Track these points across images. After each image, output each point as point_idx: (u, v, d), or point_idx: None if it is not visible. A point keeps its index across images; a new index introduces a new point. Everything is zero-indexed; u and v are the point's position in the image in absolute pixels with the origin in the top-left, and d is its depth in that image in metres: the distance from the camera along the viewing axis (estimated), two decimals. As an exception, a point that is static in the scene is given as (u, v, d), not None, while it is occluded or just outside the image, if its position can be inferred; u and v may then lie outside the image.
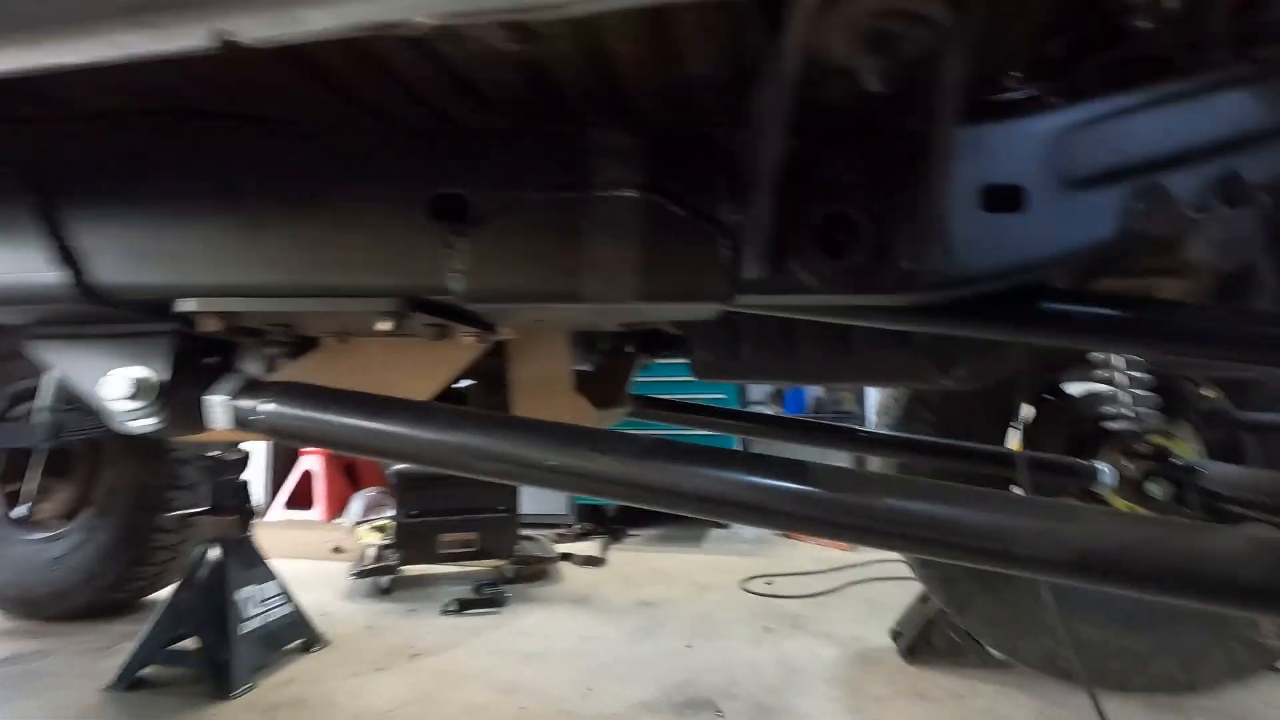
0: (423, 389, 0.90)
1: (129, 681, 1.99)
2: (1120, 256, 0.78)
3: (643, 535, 4.06)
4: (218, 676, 1.96)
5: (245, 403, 0.72)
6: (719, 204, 0.63)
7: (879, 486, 0.59)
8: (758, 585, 2.99)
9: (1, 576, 2.55)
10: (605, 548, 3.73)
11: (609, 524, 4.08)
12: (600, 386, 1.24)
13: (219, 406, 0.72)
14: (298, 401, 0.70)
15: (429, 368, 0.88)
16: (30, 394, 2.54)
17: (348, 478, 4.71)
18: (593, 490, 0.64)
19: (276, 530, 3.79)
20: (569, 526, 4.05)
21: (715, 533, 4.08)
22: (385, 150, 0.64)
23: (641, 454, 0.60)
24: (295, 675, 2.08)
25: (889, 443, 1.76)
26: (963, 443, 1.68)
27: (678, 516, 4.17)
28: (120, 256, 0.63)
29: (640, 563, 3.48)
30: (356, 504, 4.28)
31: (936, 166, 0.60)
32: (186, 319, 0.73)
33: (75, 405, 2.36)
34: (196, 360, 0.76)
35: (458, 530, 3.03)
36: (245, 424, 0.72)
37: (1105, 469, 1.59)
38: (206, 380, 0.73)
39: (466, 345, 0.83)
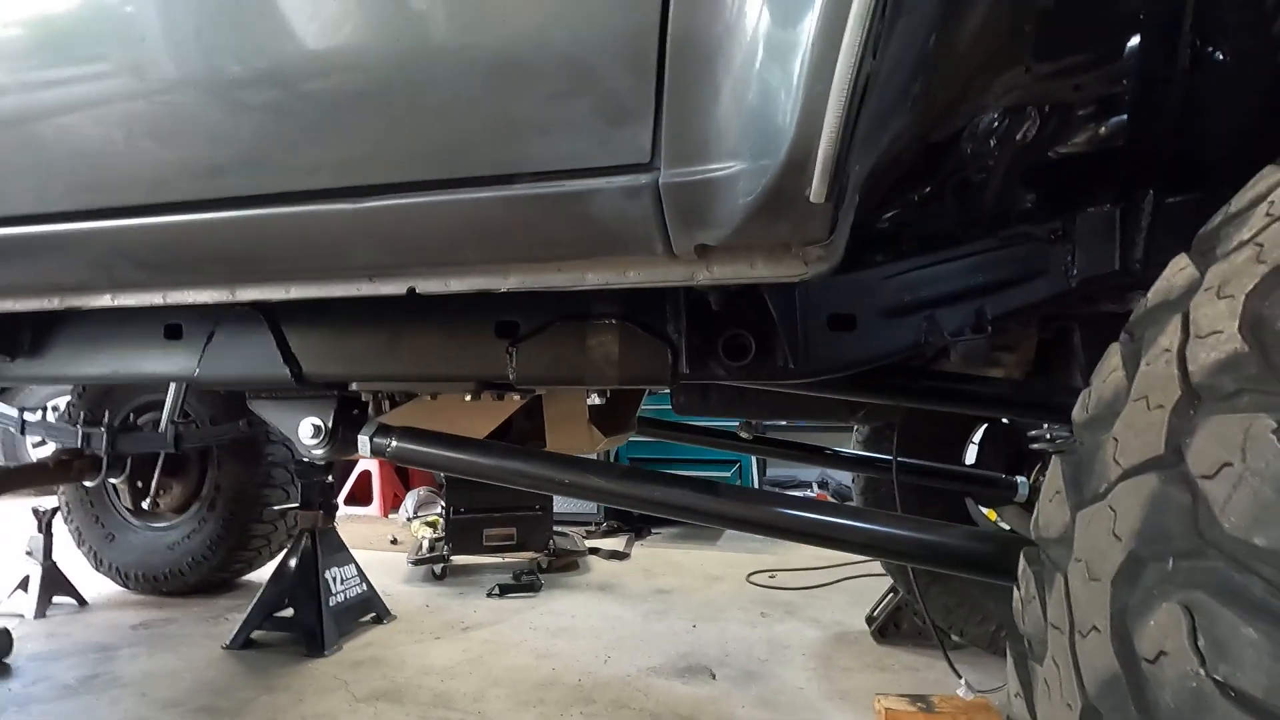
0: (484, 427, 1.35)
1: (242, 642, 2.49)
2: (919, 355, 1.18)
3: (664, 533, 4.49)
4: (311, 640, 2.45)
5: (380, 440, 1.17)
6: (666, 327, 1.06)
7: (734, 494, 1.02)
8: (761, 578, 3.39)
9: (130, 559, 3.10)
10: (629, 543, 4.16)
11: (634, 522, 4.51)
12: (610, 417, 1.68)
13: (364, 441, 1.18)
14: (413, 439, 1.15)
15: (489, 413, 1.33)
16: (146, 408, 3.09)
17: (399, 478, 5.24)
18: (591, 497, 1.07)
19: (339, 524, 4.32)
20: (598, 525, 4.50)
21: (730, 532, 4.48)
22: (473, 296, 1.08)
23: (618, 476, 1.04)
24: (371, 641, 2.56)
25: (851, 460, 2.16)
26: (910, 460, 2.06)
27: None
28: (317, 358, 1.09)
29: (659, 557, 3.91)
30: (409, 501, 4.80)
31: (798, 306, 1.02)
32: (345, 385, 1.18)
33: (191, 419, 2.89)
34: (349, 411, 1.22)
35: (500, 525, 3.50)
36: (379, 453, 1.17)
37: (1022, 482, 1.96)
38: (356, 424, 1.19)
39: (514, 401, 1.27)
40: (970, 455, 2.37)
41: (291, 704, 2.05)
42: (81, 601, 2.97)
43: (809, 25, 0.54)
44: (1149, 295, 0.59)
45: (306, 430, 1.15)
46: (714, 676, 2.25)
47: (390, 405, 1.35)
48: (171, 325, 1.09)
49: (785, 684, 2.19)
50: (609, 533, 4.42)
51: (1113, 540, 0.50)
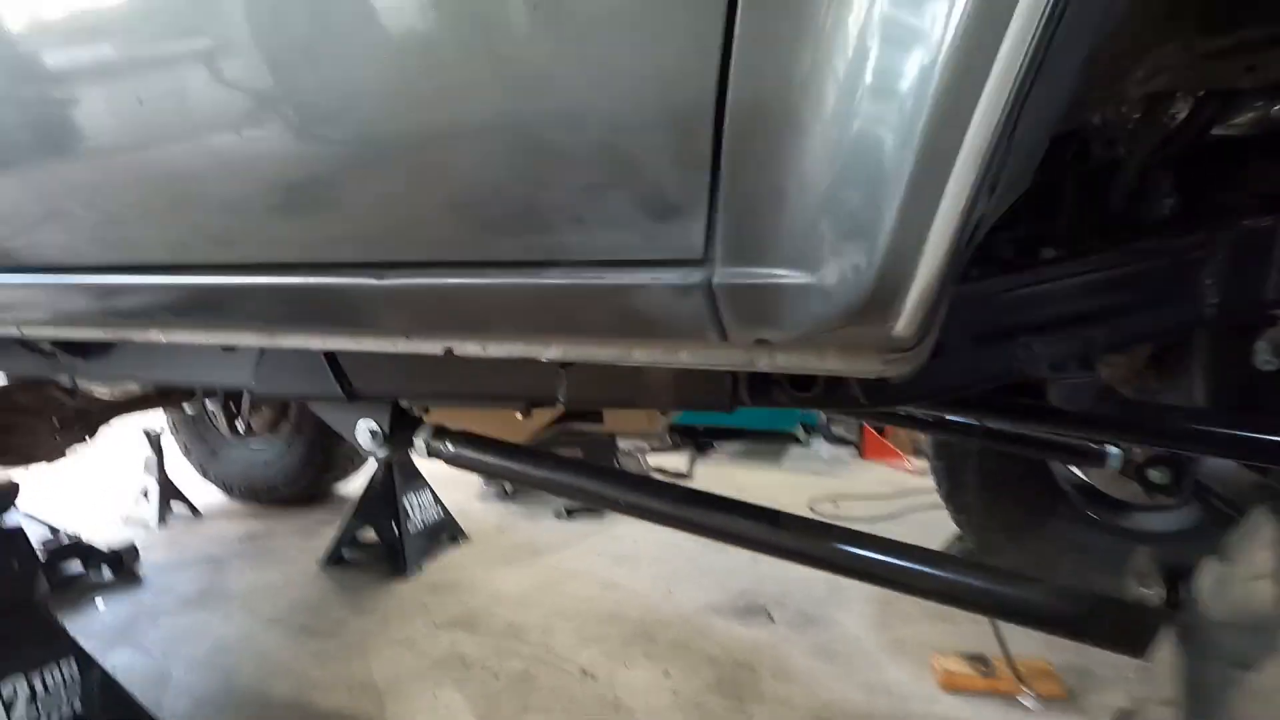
0: (531, 427, 1.33)
1: (333, 559, 2.72)
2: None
3: (728, 450, 4.52)
4: (394, 561, 2.64)
5: (434, 442, 1.16)
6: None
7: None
8: (825, 507, 3.40)
9: (232, 472, 3.38)
10: (692, 462, 4.22)
11: (697, 437, 4.56)
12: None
13: (420, 444, 1.17)
14: (469, 446, 1.14)
15: (535, 417, 1.32)
16: (233, 331, 3.25)
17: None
18: (650, 518, 1.04)
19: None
20: (661, 439, 4.57)
21: (794, 450, 4.48)
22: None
23: (678, 499, 1.00)
24: (447, 564, 2.73)
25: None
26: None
27: (760, 432, 4.60)
28: (368, 377, 1.07)
29: (722, 478, 3.96)
30: (481, 412, 5.00)
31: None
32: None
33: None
34: (404, 414, 1.21)
35: (566, 446, 3.60)
36: (435, 455, 1.17)
37: (1113, 451, 1.82)
38: (411, 425, 1.18)
39: (560, 408, 1.24)
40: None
41: (378, 627, 2.24)
42: (195, 511, 3.29)
43: (914, 127, 0.42)
44: None
45: (364, 434, 1.16)
46: (772, 619, 2.30)
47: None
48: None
49: (843, 631, 2.22)
50: (672, 448, 4.49)
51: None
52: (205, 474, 3.43)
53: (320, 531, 2.99)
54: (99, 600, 2.43)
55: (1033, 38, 0.41)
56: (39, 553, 2.29)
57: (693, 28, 0.47)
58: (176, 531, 3.13)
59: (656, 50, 0.48)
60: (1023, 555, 2.21)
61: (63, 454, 2.21)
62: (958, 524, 2.45)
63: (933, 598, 0.95)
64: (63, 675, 1.59)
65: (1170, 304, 0.87)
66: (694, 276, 0.55)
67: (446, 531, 2.91)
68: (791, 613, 2.33)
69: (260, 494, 3.36)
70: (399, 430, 1.18)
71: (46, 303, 0.97)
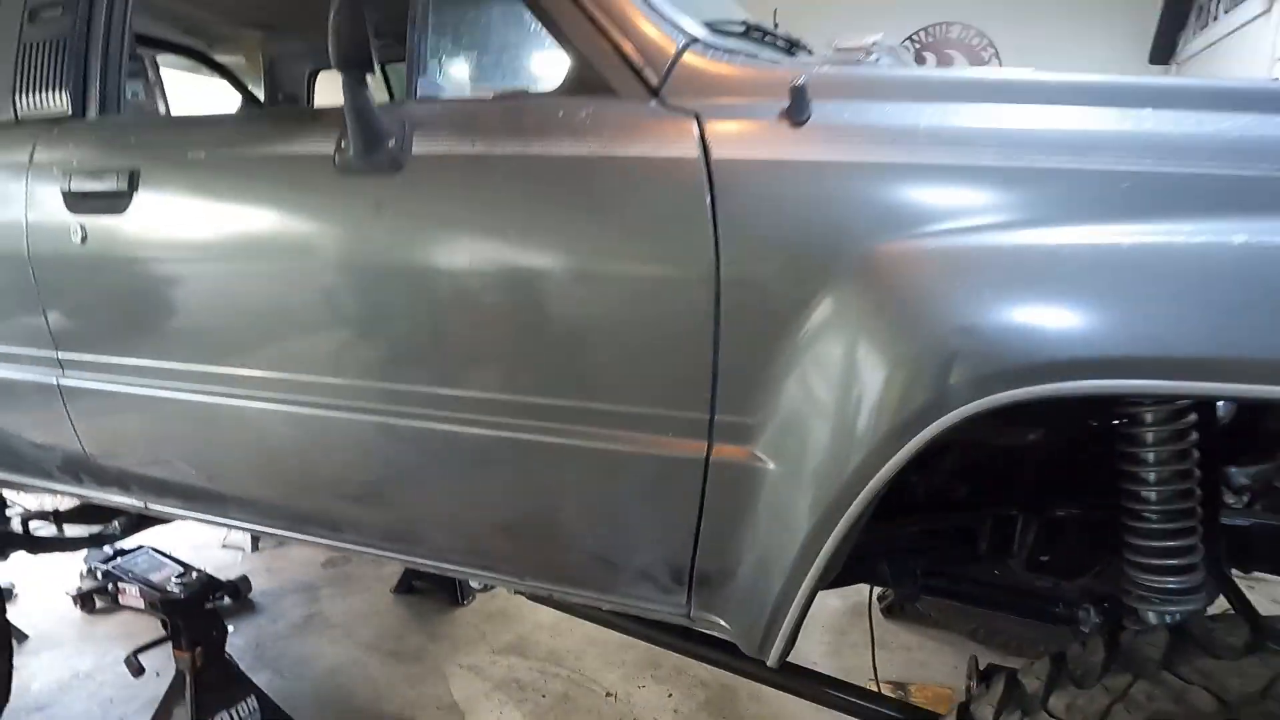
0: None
1: (405, 589, 3.41)
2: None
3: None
4: (452, 591, 3.32)
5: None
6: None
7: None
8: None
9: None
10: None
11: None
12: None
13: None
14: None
15: None
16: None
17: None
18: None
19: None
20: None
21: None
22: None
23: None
24: (495, 594, 3.42)
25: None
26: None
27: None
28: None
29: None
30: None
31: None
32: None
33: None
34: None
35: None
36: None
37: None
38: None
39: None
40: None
41: (449, 652, 2.93)
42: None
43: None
44: None
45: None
46: (751, 646, 2.99)
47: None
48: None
49: (804, 658, 2.91)
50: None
51: None
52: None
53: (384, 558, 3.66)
54: (229, 627, 3.12)
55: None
56: (176, 588, 2.97)
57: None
58: (267, 557, 3.81)
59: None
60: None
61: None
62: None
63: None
64: (249, 707, 2.28)
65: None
66: (680, 609, 1.17)
67: (492, 562, 3.59)
68: (766, 640, 3.02)
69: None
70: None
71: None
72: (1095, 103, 0.87)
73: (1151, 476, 1.14)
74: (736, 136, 0.94)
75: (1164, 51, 4.54)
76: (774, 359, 0.93)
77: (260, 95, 3.24)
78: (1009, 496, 1.48)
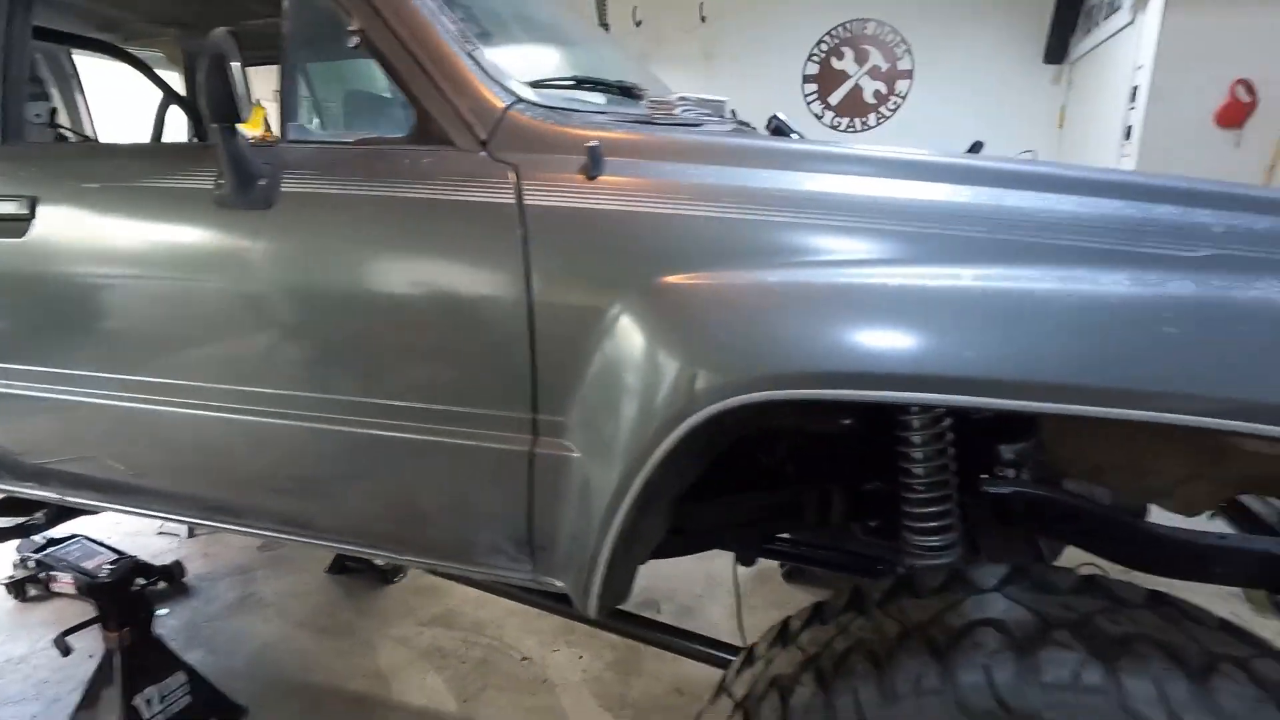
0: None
1: (338, 569, 3.57)
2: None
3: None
4: (383, 569, 3.51)
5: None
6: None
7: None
8: (721, 506, 4.36)
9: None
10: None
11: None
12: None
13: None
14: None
15: None
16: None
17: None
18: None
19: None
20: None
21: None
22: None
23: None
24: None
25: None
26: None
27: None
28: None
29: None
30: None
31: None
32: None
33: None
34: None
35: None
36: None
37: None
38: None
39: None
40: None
41: (378, 626, 3.13)
42: (216, 523, 4.09)
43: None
44: None
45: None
46: (659, 610, 3.26)
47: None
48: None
49: (709, 621, 3.19)
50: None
51: None
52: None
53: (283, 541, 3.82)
54: (162, 610, 3.26)
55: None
56: (108, 574, 3.09)
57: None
58: (203, 543, 3.93)
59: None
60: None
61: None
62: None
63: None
64: (177, 683, 2.45)
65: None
66: (529, 574, 1.39)
67: (423, 541, 3.78)
68: (675, 606, 3.29)
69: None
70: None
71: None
72: (819, 169, 1.10)
73: (917, 455, 1.40)
74: (545, 186, 1.14)
75: (1057, 52, 4.86)
76: (577, 368, 1.14)
77: (181, 90, 3.29)
78: (830, 472, 1.73)
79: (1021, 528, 1.65)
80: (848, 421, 1.64)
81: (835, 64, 5.57)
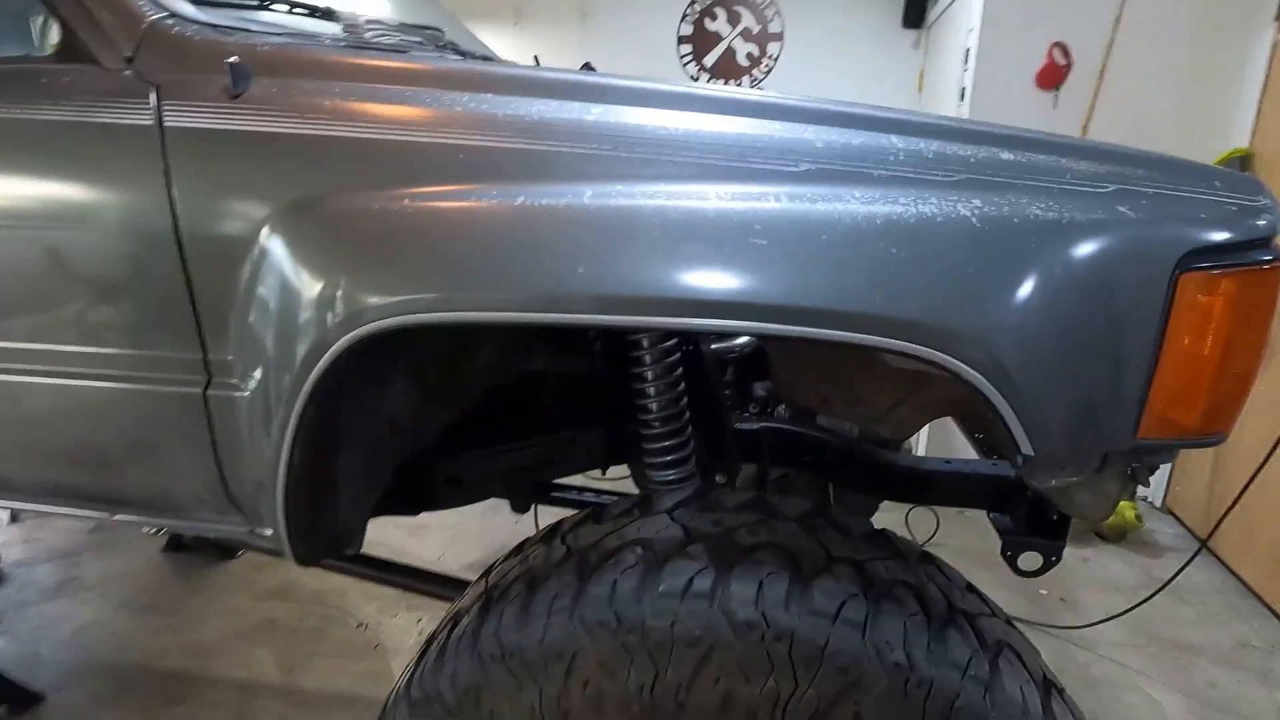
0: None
1: (174, 546, 3.40)
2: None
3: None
4: (224, 546, 3.36)
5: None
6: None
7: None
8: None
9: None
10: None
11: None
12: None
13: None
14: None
15: None
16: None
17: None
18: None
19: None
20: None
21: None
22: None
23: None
24: (272, 542, 3.48)
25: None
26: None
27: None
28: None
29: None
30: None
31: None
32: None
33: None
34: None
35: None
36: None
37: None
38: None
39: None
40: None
41: (208, 602, 3.00)
42: (45, 506, 3.81)
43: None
44: None
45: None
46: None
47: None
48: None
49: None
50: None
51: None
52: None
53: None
54: (-32, 600, 3.02)
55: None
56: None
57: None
58: (29, 528, 3.67)
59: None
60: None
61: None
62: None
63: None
64: (-44, 671, 2.28)
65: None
66: (242, 528, 1.33)
67: (272, 515, 3.64)
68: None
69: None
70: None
71: None
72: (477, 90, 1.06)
73: (650, 391, 1.40)
74: (186, 107, 1.06)
75: (914, 16, 4.98)
76: (234, 301, 1.08)
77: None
78: (592, 416, 1.74)
79: (773, 461, 1.70)
80: (594, 364, 1.65)
81: (709, 25, 5.55)
